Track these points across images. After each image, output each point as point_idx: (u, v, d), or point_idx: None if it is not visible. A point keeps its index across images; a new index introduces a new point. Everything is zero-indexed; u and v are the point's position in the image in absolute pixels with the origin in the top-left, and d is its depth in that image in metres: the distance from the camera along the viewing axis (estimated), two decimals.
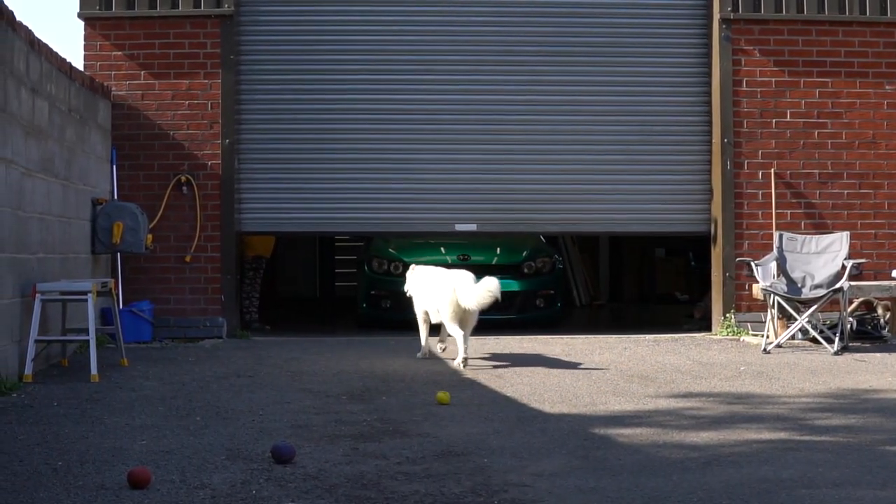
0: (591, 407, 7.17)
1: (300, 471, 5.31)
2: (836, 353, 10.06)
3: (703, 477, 5.11)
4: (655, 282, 18.40)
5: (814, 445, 5.88)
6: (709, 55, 12.07)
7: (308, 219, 12.06)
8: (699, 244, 15.84)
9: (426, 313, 9.67)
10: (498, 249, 13.39)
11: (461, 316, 9.14)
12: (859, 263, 10.92)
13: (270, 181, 11.94)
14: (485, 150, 12.12)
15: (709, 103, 12.06)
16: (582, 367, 9.20)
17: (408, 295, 9.99)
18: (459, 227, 12.15)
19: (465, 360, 9.07)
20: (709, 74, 12.08)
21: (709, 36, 12.07)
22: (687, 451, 5.72)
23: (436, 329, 9.71)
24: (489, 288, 8.90)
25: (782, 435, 6.17)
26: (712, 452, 5.67)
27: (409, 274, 10.05)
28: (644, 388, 7.96)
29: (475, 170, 12.12)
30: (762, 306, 11.54)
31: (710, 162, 12.09)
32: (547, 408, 7.14)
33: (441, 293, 9.26)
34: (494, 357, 9.83)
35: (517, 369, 9.01)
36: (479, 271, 12.81)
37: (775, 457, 5.56)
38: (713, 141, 12.02)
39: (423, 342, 9.76)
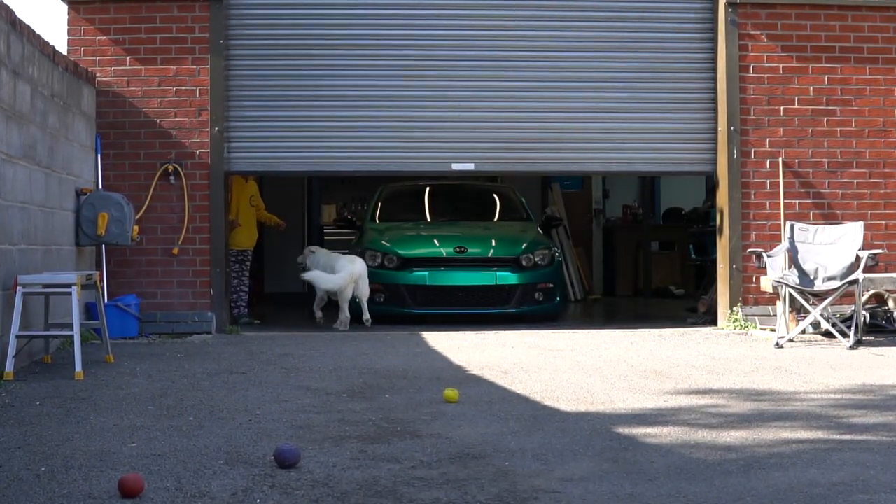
0: (609, 405, 6.75)
1: (307, 476, 4.88)
2: (851, 348, 9.68)
3: (747, 481, 4.69)
4: (650, 276, 18.04)
5: (857, 445, 5.47)
6: (714, 39, 11.69)
7: (301, 158, 11.61)
8: (699, 237, 15.53)
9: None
10: (494, 242, 12.90)
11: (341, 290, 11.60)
12: (875, 254, 10.51)
13: (261, 118, 11.49)
14: (483, 86, 11.68)
15: (714, 51, 11.68)
16: (591, 362, 8.79)
17: (301, 266, 12.43)
18: (456, 167, 11.72)
19: (342, 322, 11.55)
20: (714, 51, 11.69)
21: (714, 20, 11.68)
22: (722, 452, 5.30)
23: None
24: (353, 273, 11.60)
25: (820, 434, 5.76)
26: (750, 453, 5.26)
27: (307, 251, 12.61)
28: (661, 385, 7.55)
29: (473, 107, 11.67)
30: (770, 299, 11.17)
31: (714, 100, 11.71)
32: (563, 406, 6.71)
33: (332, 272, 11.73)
34: (497, 352, 9.42)
35: (523, 365, 8.59)
36: (476, 264, 12.60)
37: (819, 458, 5.15)
38: (719, 129, 11.63)
39: (316, 310, 12.21)
